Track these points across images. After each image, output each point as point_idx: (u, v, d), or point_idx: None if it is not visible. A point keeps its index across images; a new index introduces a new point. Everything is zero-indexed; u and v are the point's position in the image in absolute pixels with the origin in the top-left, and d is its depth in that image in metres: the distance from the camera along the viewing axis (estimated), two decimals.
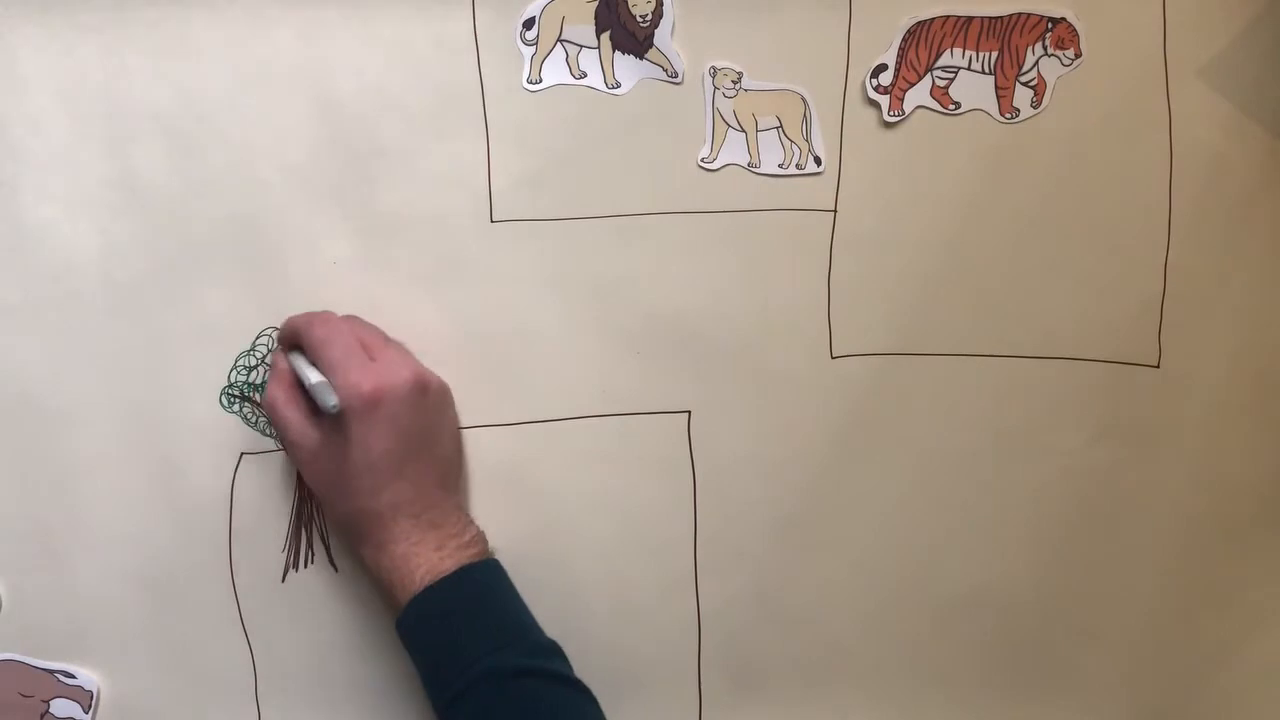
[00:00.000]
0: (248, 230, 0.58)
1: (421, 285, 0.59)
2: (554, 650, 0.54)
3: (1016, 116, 0.58)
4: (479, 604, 0.54)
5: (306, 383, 0.53)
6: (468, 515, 0.58)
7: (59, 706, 0.59)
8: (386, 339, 0.57)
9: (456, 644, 0.52)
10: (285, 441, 0.56)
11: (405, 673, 0.60)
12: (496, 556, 0.57)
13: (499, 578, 0.56)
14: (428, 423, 0.55)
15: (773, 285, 0.59)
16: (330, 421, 0.53)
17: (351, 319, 0.57)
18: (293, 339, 0.56)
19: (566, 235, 0.59)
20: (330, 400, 0.51)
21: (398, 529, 0.54)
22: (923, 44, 0.57)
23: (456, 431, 0.58)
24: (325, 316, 0.56)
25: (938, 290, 0.59)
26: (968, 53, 0.58)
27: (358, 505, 0.54)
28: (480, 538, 0.57)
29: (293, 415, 0.54)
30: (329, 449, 0.53)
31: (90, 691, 0.59)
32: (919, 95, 0.58)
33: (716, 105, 0.58)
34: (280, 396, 0.55)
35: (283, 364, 0.56)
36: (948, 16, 0.57)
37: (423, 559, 0.53)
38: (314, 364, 0.54)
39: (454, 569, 0.53)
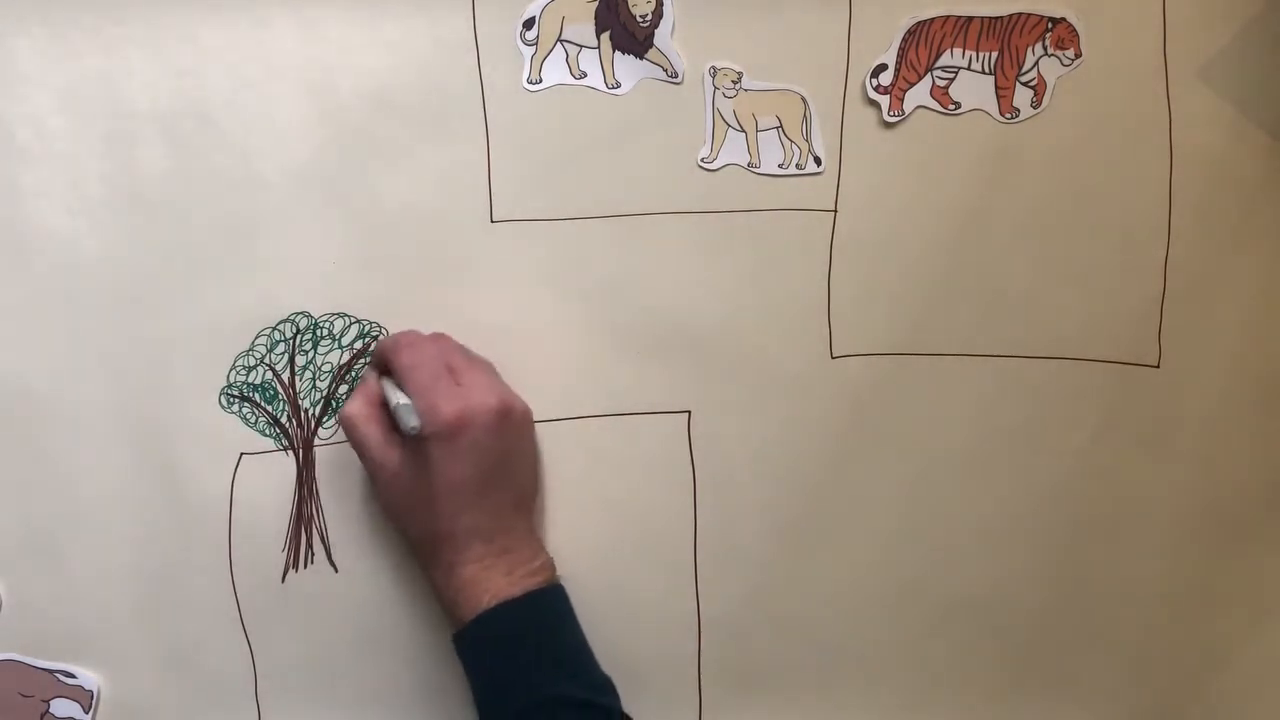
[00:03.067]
0: (248, 230, 0.58)
1: (421, 285, 0.59)
2: (611, 687, 0.55)
3: (1016, 116, 0.58)
4: (547, 631, 0.54)
5: (391, 403, 0.53)
6: (539, 541, 0.57)
7: (59, 706, 0.59)
8: (472, 359, 0.57)
9: (522, 667, 0.52)
10: (363, 458, 0.55)
11: (404, 673, 0.60)
12: (561, 582, 0.57)
13: (566, 606, 0.56)
14: (509, 448, 0.55)
15: (773, 285, 0.59)
16: (412, 444, 0.53)
17: (438, 338, 0.57)
18: (382, 362, 0.56)
19: (566, 235, 0.59)
20: (412, 422, 0.51)
21: (470, 553, 0.54)
22: (923, 44, 0.57)
23: (536, 455, 0.58)
24: (412, 339, 0.56)
25: (938, 290, 0.59)
26: (968, 53, 0.58)
27: (434, 527, 0.54)
28: (549, 564, 0.57)
29: (372, 432, 0.54)
30: (409, 470, 0.53)
31: (90, 691, 0.59)
32: (919, 95, 0.58)
33: (716, 105, 0.58)
34: (362, 413, 0.55)
35: (371, 381, 0.56)
36: (948, 16, 0.57)
37: (491, 583, 0.53)
38: (401, 388, 0.54)
39: (521, 594, 0.53)
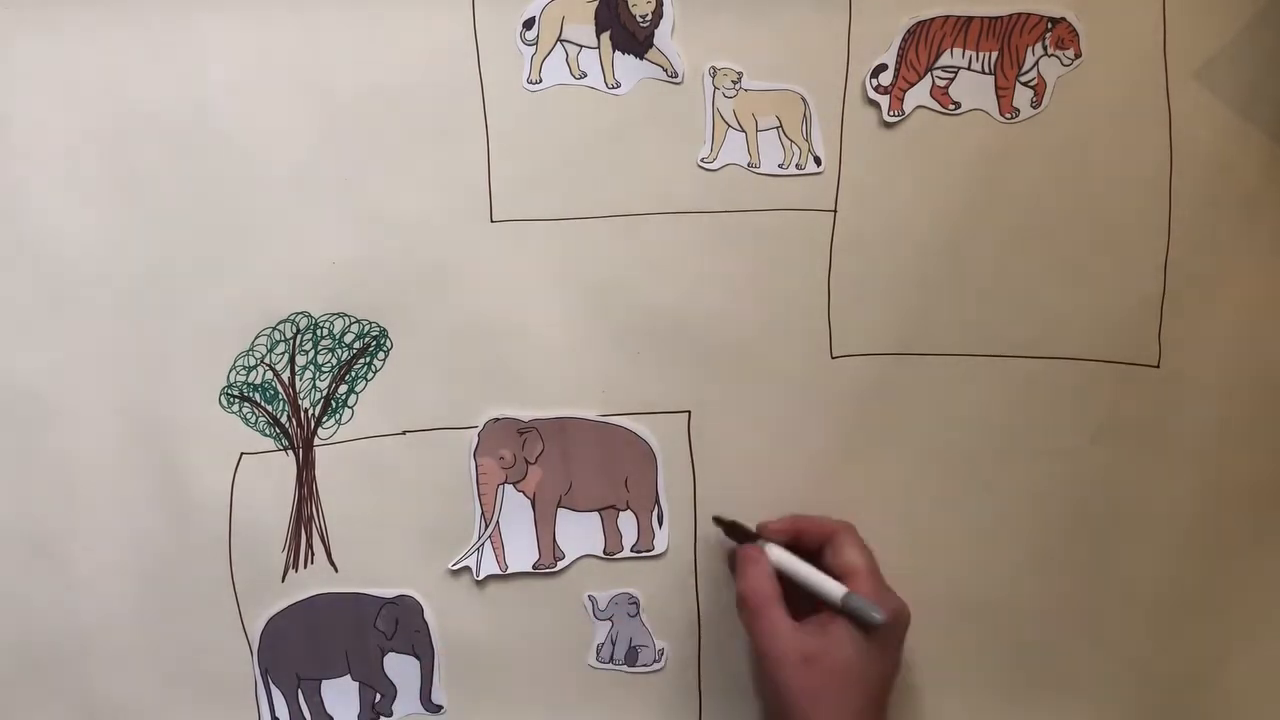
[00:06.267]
0: (248, 230, 0.58)
1: (421, 285, 0.59)
2: None
3: (1016, 116, 0.58)
4: None
5: (836, 592, 0.53)
6: None
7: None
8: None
9: None
10: (768, 640, 0.53)
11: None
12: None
13: None
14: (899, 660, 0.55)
15: (773, 285, 0.59)
16: (837, 632, 0.52)
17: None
18: (790, 535, 0.56)
19: (566, 235, 0.59)
20: (876, 615, 0.52)
21: None
22: (923, 44, 0.58)
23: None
24: (853, 527, 0.56)
25: (938, 290, 0.59)
26: (968, 53, 0.58)
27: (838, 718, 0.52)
28: None
29: (780, 615, 0.53)
30: (826, 657, 0.52)
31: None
32: (919, 95, 0.58)
33: (716, 105, 0.58)
34: (771, 594, 0.54)
35: (759, 557, 0.55)
36: (948, 16, 0.57)
37: None
38: (825, 568, 0.55)
39: None
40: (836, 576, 0.54)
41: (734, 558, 0.57)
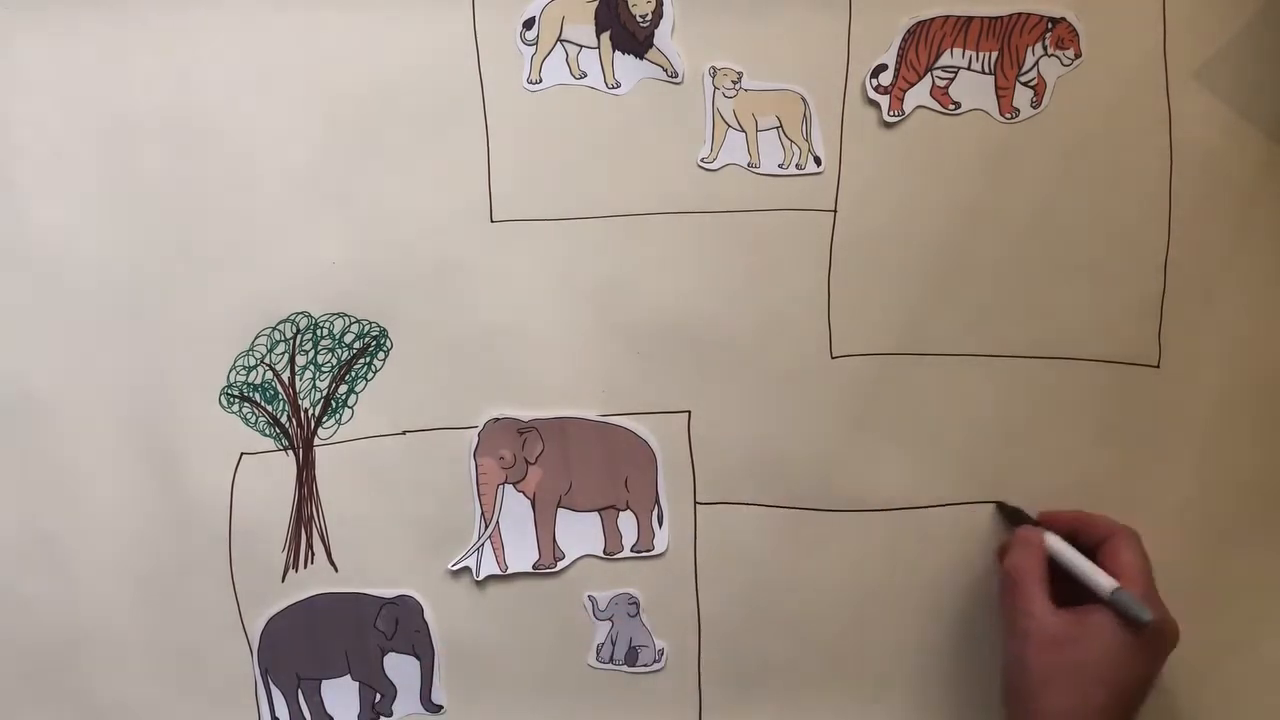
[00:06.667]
0: (248, 230, 0.58)
1: (421, 285, 0.59)
2: None
3: (1016, 116, 0.58)
4: None
5: (1105, 586, 0.52)
6: None
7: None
8: None
9: None
10: (1020, 614, 0.53)
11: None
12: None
13: None
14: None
15: (773, 285, 0.59)
16: (1095, 623, 0.51)
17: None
18: (1070, 527, 0.56)
19: (566, 235, 0.59)
20: (1146, 616, 0.51)
21: None
22: (923, 44, 0.58)
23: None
24: (1135, 537, 0.55)
25: (938, 290, 0.59)
26: (968, 53, 0.58)
27: (1067, 709, 0.51)
28: None
29: (1039, 593, 0.53)
30: (1075, 646, 0.51)
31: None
32: (919, 95, 0.58)
33: (716, 105, 0.58)
34: (1034, 571, 0.54)
35: (1037, 540, 0.55)
36: (948, 16, 0.57)
37: None
38: (1103, 565, 0.54)
39: None
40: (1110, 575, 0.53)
41: (1004, 549, 0.57)
